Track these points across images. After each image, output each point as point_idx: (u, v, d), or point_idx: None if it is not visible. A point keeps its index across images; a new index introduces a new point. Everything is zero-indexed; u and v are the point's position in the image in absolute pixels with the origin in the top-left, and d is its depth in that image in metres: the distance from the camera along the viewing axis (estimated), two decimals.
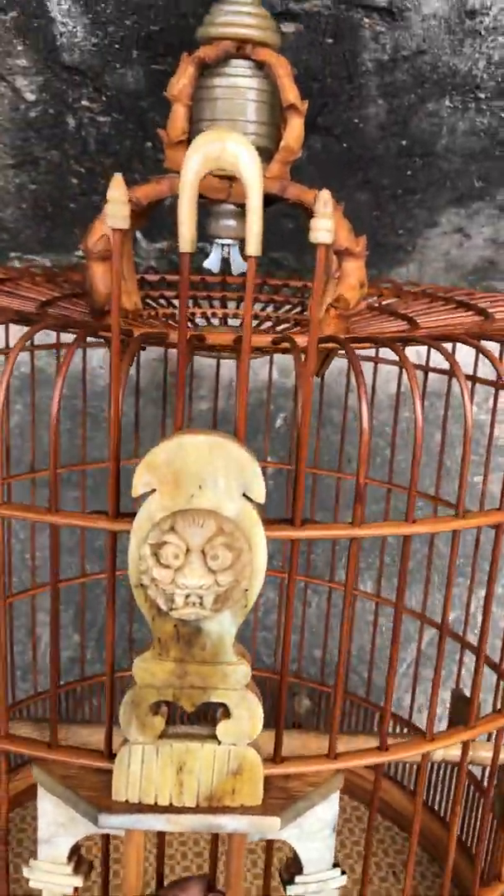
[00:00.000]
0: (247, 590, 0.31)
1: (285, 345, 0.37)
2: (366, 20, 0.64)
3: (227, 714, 0.32)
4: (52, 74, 0.69)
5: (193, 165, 0.29)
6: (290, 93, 0.45)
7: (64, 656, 0.89)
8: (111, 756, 0.34)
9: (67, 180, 0.80)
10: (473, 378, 0.59)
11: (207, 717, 0.34)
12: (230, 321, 0.58)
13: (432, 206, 0.84)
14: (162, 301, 0.60)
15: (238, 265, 0.51)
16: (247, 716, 0.32)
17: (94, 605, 0.92)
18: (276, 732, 0.35)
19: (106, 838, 0.36)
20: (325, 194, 0.30)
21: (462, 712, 0.69)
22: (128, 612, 0.87)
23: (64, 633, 0.90)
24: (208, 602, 0.30)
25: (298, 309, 0.59)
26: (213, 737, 0.33)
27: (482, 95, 0.71)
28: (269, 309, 0.60)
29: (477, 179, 0.81)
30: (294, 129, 0.46)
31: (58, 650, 0.40)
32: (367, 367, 0.89)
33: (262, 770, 0.33)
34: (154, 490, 0.30)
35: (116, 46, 0.66)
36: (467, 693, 0.70)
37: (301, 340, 0.38)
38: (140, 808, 0.32)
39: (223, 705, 0.32)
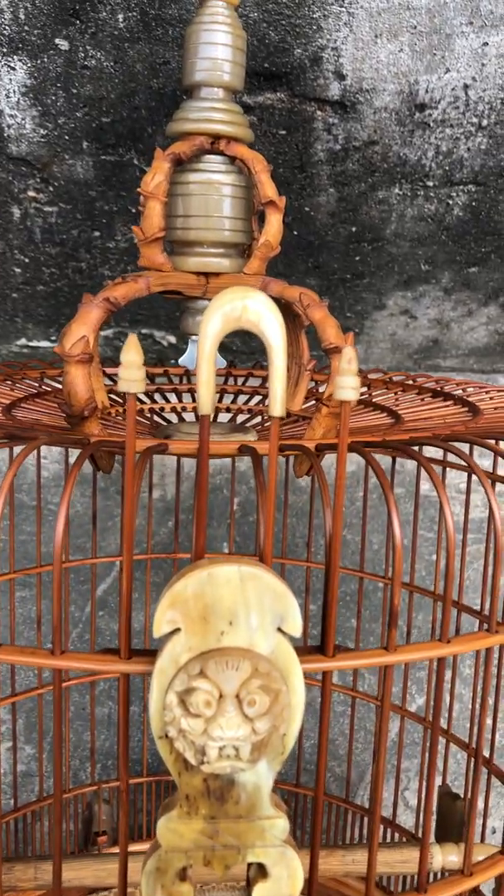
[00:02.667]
0: (285, 735, 0.28)
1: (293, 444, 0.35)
2: (318, 112, 0.65)
3: (262, 874, 0.29)
4: None
5: (213, 328, 0.26)
6: (269, 188, 0.44)
7: (18, 770, 0.82)
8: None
9: (10, 270, 0.78)
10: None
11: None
12: None
13: (380, 289, 0.84)
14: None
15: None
16: (286, 874, 0.29)
17: (45, 711, 0.86)
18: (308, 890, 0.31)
19: None
20: (350, 352, 0.28)
21: (451, 810, 0.66)
22: (88, 719, 0.82)
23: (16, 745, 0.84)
24: (245, 753, 0.27)
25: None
26: None
27: (430, 183, 0.72)
28: (241, 402, 0.58)
29: (423, 263, 0.82)
30: (273, 225, 0.45)
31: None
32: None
33: None
34: (178, 629, 0.27)
35: (66, 138, 0.65)
36: (454, 788, 0.68)
37: (311, 444, 0.36)
38: None
39: (258, 864, 0.29)
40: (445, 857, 0.56)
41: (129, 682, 0.30)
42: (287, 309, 0.50)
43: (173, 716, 0.27)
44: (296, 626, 0.27)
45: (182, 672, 0.27)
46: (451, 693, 0.68)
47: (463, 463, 0.35)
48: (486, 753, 0.69)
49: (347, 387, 0.28)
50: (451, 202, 0.74)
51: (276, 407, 0.27)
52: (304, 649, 0.30)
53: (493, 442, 0.35)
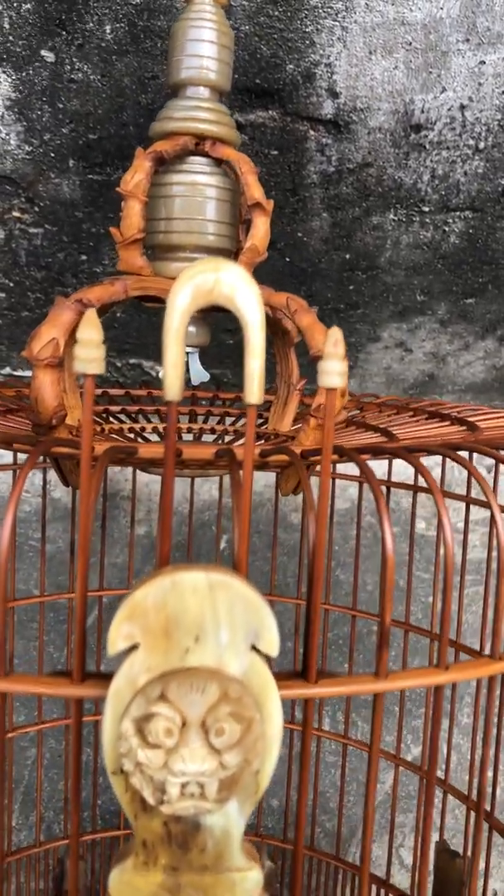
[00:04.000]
0: (258, 771, 0.24)
1: (279, 457, 0.31)
2: (311, 132, 0.63)
3: None
4: None
5: (182, 301, 0.24)
6: (256, 190, 0.42)
7: None
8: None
9: None
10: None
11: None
12: (184, 436, 0.53)
13: (375, 320, 0.82)
14: (105, 416, 0.54)
15: (197, 374, 0.46)
16: None
17: (18, 758, 0.82)
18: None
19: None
20: (336, 332, 0.25)
21: (449, 869, 0.61)
22: (63, 767, 0.77)
23: None
24: (211, 791, 0.23)
25: (258, 422, 0.54)
26: None
27: (426, 209, 0.70)
28: (228, 423, 0.55)
29: (419, 293, 0.80)
30: (260, 229, 0.42)
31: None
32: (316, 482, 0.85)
33: None
34: (136, 645, 0.23)
35: (52, 155, 0.63)
36: (451, 845, 0.63)
37: (296, 449, 0.33)
38: None
39: None
40: None
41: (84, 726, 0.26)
42: (276, 326, 0.47)
43: (129, 746, 0.23)
44: (272, 644, 0.24)
45: (140, 696, 0.23)
46: (448, 743, 0.63)
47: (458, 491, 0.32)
48: (487, 807, 0.65)
49: (333, 372, 0.25)
50: (447, 229, 0.72)
51: (253, 391, 0.24)
52: (284, 674, 0.26)
53: (496, 451, 0.32)
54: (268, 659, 0.24)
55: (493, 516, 0.27)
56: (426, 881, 0.28)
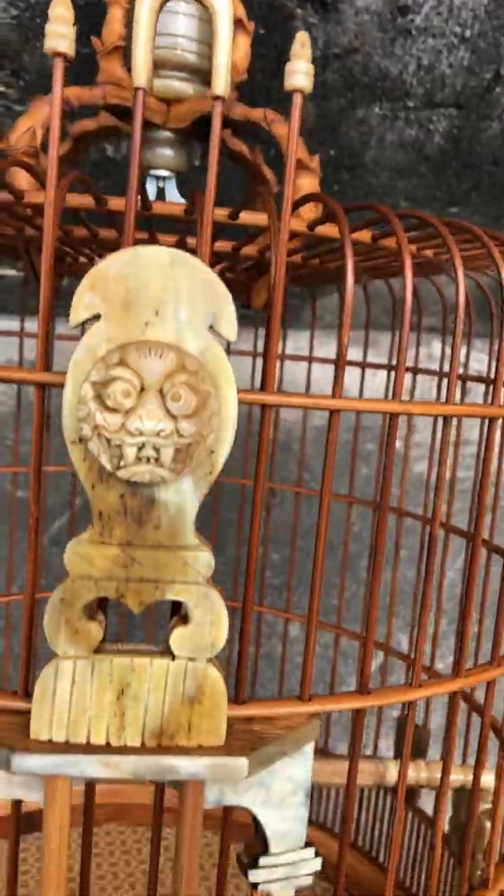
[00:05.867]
0: (213, 451, 0.25)
1: (252, 217, 0.32)
2: (299, 10, 0.63)
3: (183, 619, 0.26)
4: None
5: None
6: (237, 7, 0.42)
7: None
8: (27, 695, 0.26)
9: None
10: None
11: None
12: None
13: (360, 226, 0.82)
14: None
15: (174, 201, 0.46)
16: (209, 620, 0.25)
17: None
18: (238, 667, 0.28)
19: (17, 807, 0.27)
20: (303, 36, 0.26)
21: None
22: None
23: None
24: (167, 457, 0.24)
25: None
26: (166, 652, 0.26)
27: (411, 104, 0.71)
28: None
29: (403, 199, 0.81)
30: (240, 48, 0.43)
31: None
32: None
33: (226, 699, 0.26)
34: (98, 316, 0.24)
35: (38, 21, 0.63)
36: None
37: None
38: (68, 747, 0.25)
39: (178, 609, 0.26)
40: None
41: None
42: (255, 176, 0.48)
43: (88, 410, 0.24)
44: (231, 328, 0.24)
45: (100, 363, 0.24)
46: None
47: None
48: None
49: (299, 71, 0.25)
50: (431, 127, 0.73)
51: (219, 83, 0.25)
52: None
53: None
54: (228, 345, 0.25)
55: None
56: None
